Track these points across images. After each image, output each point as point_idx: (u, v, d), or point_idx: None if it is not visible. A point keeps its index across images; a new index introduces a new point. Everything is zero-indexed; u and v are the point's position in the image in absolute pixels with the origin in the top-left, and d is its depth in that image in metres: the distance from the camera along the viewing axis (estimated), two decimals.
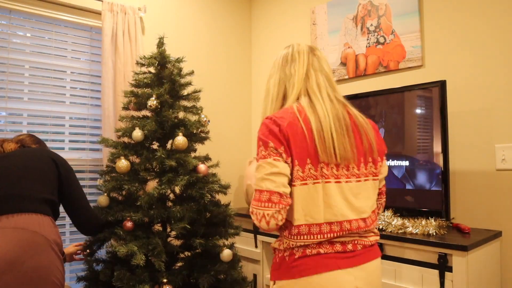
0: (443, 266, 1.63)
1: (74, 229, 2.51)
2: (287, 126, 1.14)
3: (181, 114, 2.07)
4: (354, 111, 1.26)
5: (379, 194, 1.35)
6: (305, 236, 1.14)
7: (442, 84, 1.94)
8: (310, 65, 1.27)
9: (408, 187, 2.04)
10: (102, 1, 2.52)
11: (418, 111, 2.03)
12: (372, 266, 1.19)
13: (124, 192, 1.96)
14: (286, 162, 1.13)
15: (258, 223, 1.13)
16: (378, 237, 1.26)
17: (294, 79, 1.25)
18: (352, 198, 1.18)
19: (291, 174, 1.14)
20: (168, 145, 2.06)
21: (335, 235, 1.15)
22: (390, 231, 1.85)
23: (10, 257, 1.33)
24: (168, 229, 1.98)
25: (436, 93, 1.95)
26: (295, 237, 1.14)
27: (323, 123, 1.16)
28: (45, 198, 1.55)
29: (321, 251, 1.14)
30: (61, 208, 1.87)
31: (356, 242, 1.18)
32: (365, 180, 1.21)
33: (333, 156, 1.15)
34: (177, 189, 2.04)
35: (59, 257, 1.49)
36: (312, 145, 1.14)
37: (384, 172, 1.31)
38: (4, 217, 1.42)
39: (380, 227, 1.90)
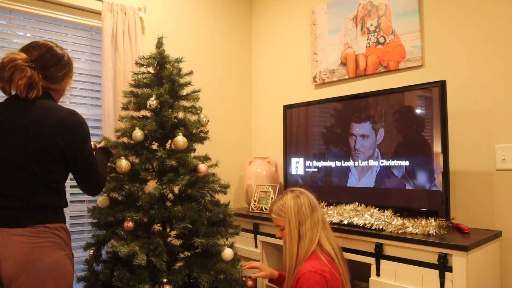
0: (443, 266, 1.63)
1: (76, 228, 2.52)
2: (329, 277, 1.56)
3: (180, 114, 2.07)
4: None
5: None
6: None
7: (442, 84, 1.94)
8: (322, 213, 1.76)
9: (408, 187, 2.04)
10: (102, 1, 2.52)
11: (418, 111, 2.03)
12: None
13: (124, 192, 1.96)
14: None
15: None
16: None
17: (318, 226, 1.66)
18: None
19: None
20: (168, 145, 2.06)
21: None
22: (390, 231, 1.85)
23: (23, 259, 1.31)
24: (168, 229, 1.98)
25: (436, 93, 1.95)
26: None
27: (340, 261, 1.68)
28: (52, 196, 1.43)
29: None
30: None
31: None
32: None
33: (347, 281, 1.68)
34: (176, 189, 2.04)
35: (70, 259, 1.46)
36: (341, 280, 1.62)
37: None
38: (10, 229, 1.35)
39: (380, 227, 1.90)
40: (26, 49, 1.43)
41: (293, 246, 1.64)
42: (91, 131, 2.58)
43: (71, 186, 2.46)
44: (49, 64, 1.44)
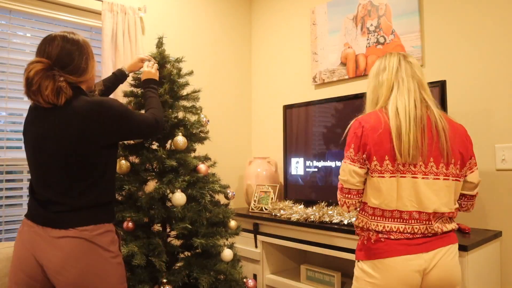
0: None
1: None
2: (369, 128, 1.36)
3: (180, 114, 2.07)
4: (436, 115, 1.39)
5: (464, 195, 1.50)
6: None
7: (442, 84, 1.93)
8: (402, 72, 1.43)
9: None
10: (102, 1, 2.52)
11: None
12: (441, 251, 1.34)
13: (124, 193, 1.95)
14: (361, 166, 1.39)
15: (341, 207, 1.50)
16: (453, 226, 1.40)
17: (383, 88, 1.44)
18: (425, 193, 1.34)
19: (370, 168, 1.37)
20: (168, 145, 2.06)
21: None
22: None
23: (66, 260, 1.30)
24: (168, 229, 1.98)
25: (436, 93, 1.95)
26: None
27: (402, 127, 1.33)
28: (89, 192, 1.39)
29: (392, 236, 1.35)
30: None
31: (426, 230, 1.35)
32: (435, 179, 1.35)
33: (407, 155, 1.32)
34: (176, 189, 2.04)
35: (110, 263, 1.40)
36: (390, 145, 1.34)
37: (471, 178, 1.46)
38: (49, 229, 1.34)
39: None
40: (43, 50, 1.38)
41: (366, 106, 1.52)
42: None
43: None
44: (70, 59, 1.39)
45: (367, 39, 2.56)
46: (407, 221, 1.34)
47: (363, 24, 2.59)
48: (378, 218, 1.37)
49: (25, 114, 2.39)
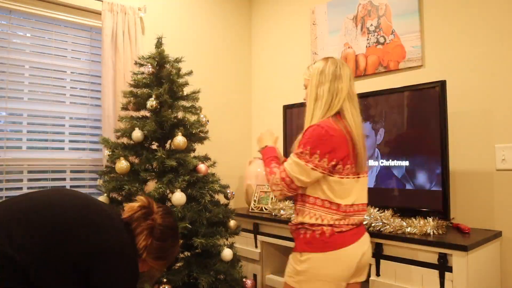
0: (443, 266, 1.63)
1: None
2: (337, 136, 1.48)
3: (180, 114, 2.07)
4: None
5: None
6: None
7: (442, 84, 1.93)
8: (353, 86, 1.61)
9: (408, 187, 2.04)
10: (102, 1, 2.52)
11: (418, 111, 2.03)
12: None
13: (124, 193, 1.95)
14: (323, 172, 1.49)
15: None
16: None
17: (341, 96, 1.55)
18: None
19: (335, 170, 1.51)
20: (167, 145, 2.06)
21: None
22: (390, 232, 1.84)
23: None
24: None
25: (436, 93, 1.95)
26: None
27: (357, 136, 1.52)
28: None
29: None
30: None
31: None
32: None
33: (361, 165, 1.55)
34: (176, 189, 2.04)
35: None
36: (350, 151, 1.51)
37: None
38: None
39: (379, 228, 1.90)
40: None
41: (311, 104, 1.60)
42: (91, 131, 2.60)
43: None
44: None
45: (367, 39, 2.56)
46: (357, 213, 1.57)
47: (363, 24, 2.59)
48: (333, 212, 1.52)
49: (25, 114, 2.39)
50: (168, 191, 1.89)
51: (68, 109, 2.54)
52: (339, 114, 1.55)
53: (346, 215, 1.51)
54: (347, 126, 1.52)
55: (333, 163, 1.48)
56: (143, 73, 2.10)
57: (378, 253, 1.84)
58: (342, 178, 1.51)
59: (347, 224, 1.51)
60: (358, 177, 1.55)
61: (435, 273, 1.65)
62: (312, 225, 1.51)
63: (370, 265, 1.87)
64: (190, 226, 1.82)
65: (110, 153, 1.98)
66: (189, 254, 1.99)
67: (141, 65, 2.11)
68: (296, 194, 1.58)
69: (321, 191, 1.52)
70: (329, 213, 1.51)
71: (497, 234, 1.90)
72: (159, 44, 2.09)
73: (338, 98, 1.55)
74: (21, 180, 2.38)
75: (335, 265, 1.48)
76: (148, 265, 1.38)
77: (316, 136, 1.48)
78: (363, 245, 1.54)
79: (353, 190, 1.53)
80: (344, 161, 1.49)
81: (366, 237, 1.59)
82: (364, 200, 1.60)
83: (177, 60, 2.11)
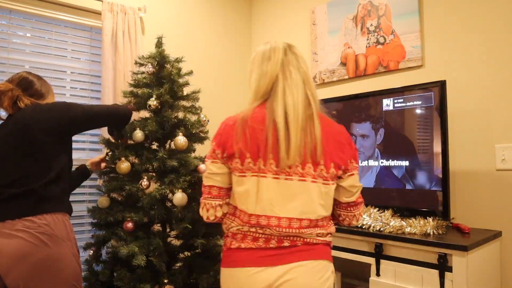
0: (443, 266, 1.63)
1: (75, 228, 2.51)
2: (231, 126, 1.24)
3: (180, 114, 2.07)
4: (320, 114, 1.26)
5: (343, 204, 1.32)
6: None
7: (442, 84, 1.94)
8: (287, 63, 1.27)
9: (408, 187, 2.04)
10: (102, 1, 2.52)
11: (418, 111, 2.03)
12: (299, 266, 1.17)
13: (124, 193, 1.95)
14: (215, 161, 1.26)
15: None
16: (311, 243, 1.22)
17: (266, 78, 1.26)
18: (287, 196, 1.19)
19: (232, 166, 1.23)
20: (167, 145, 2.06)
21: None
22: (390, 232, 1.85)
23: (18, 253, 1.36)
24: (168, 229, 1.98)
25: (436, 93, 1.95)
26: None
27: (279, 124, 1.18)
28: (50, 182, 1.50)
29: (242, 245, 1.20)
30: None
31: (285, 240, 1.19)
32: (303, 180, 1.20)
33: (280, 153, 1.17)
34: (177, 189, 2.04)
35: (74, 255, 1.50)
36: (256, 142, 1.19)
37: (349, 182, 1.28)
38: (9, 222, 1.41)
39: (378, 227, 1.90)
40: (10, 80, 1.62)
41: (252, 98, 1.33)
42: (91, 131, 2.60)
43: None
44: (30, 85, 1.63)
45: (367, 39, 2.56)
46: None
47: (363, 24, 2.59)
48: None
49: None
50: (168, 191, 1.89)
51: None
52: (265, 101, 1.26)
53: (247, 228, 1.20)
54: (270, 111, 1.21)
55: (225, 155, 1.22)
56: (143, 72, 2.09)
57: (378, 253, 1.84)
58: (244, 175, 1.20)
59: (243, 240, 1.20)
60: (276, 178, 1.18)
61: (435, 273, 1.65)
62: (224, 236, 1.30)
63: (370, 265, 1.88)
64: (190, 226, 1.82)
65: (111, 153, 1.98)
66: (189, 254, 1.99)
67: (141, 65, 2.11)
68: None
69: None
70: (230, 221, 1.26)
71: (497, 234, 1.91)
72: (159, 44, 2.09)
73: (264, 83, 1.26)
74: None
75: (227, 285, 1.22)
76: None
77: (218, 130, 1.29)
78: (272, 274, 1.15)
79: (259, 195, 1.18)
80: (242, 155, 1.19)
81: (286, 268, 1.16)
82: (289, 212, 1.18)
83: (178, 60, 2.11)
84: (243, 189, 1.21)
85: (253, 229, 1.20)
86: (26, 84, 1.62)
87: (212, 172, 1.27)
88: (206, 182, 1.29)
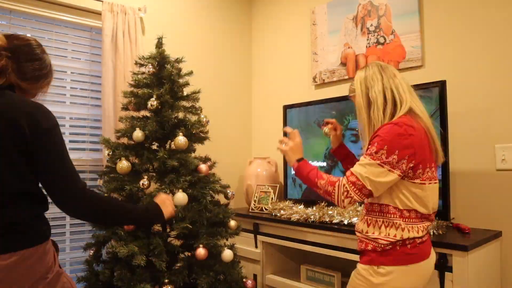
0: (443, 266, 1.63)
1: (75, 228, 2.51)
2: (417, 135, 1.31)
3: (180, 114, 2.07)
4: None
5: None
6: None
7: (442, 84, 1.94)
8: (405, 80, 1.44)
9: None
10: (102, 1, 2.52)
11: None
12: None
13: (125, 193, 1.96)
14: (400, 175, 1.31)
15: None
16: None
17: (402, 89, 1.39)
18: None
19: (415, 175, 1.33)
20: (167, 145, 2.06)
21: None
22: None
23: None
24: (168, 229, 1.98)
25: (436, 93, 1.95)
26: None
27: (434, 135, 1.38)
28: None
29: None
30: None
31: None
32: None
33: (437, 159, 1.41)
34: (178, 189, 2.05)
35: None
36: (429, 153, 1.36)
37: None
38: None
39: None
40: (7, 36, 1.27)
41: (362, 113, 1.41)
42: (91, 131, 2.60)
43: None
44: (25, 58, 1.27)
45: (367, 39, 2.56)
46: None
47: (363, 24, 2.59)
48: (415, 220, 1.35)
49: None
50: (168, 191, 1.89)
51: (68, 109, 2.54)
52: (412, 111, 1.35)
53: (427, 225, 1.38)
54: (423, 124, 1.35)
55: (412, 165, 1.30)
56: (143, 73, 2.10)
57: None
58: (424, 183, 1.32)
59: (427, 234, 1.39)
60: (436, 182, 1.38)
61: (435, 273, 1.65)
62: (395, 237, 1.34)
63: None
64: (190, 226, 1.82)
65: (111, 153, 1.98)
66: (189, 254, 1.99)
67: (142, 65, 2.11)
68: (372, 203, 1.40)
69: (399, 199, 1.34)
70: (410, 223, 1.34)
71: (497, 234, 1.91)
72: (159, 44, 2.09)
73: (399, 93, 1.36)
74: None
75: (417, 278, 1.36)
76: (36, 89, 1.32)
77: (394, 135, 1.29)
78: (433, 255, 1.44)
79: (432, 197, 1.36)
80: (424, 164, 1.32)
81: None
82: (436, 206, 1.42)
83: (178, 60, 2.11)
84: None
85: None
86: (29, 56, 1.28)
87: (378, 182, 1.34)
88: None
